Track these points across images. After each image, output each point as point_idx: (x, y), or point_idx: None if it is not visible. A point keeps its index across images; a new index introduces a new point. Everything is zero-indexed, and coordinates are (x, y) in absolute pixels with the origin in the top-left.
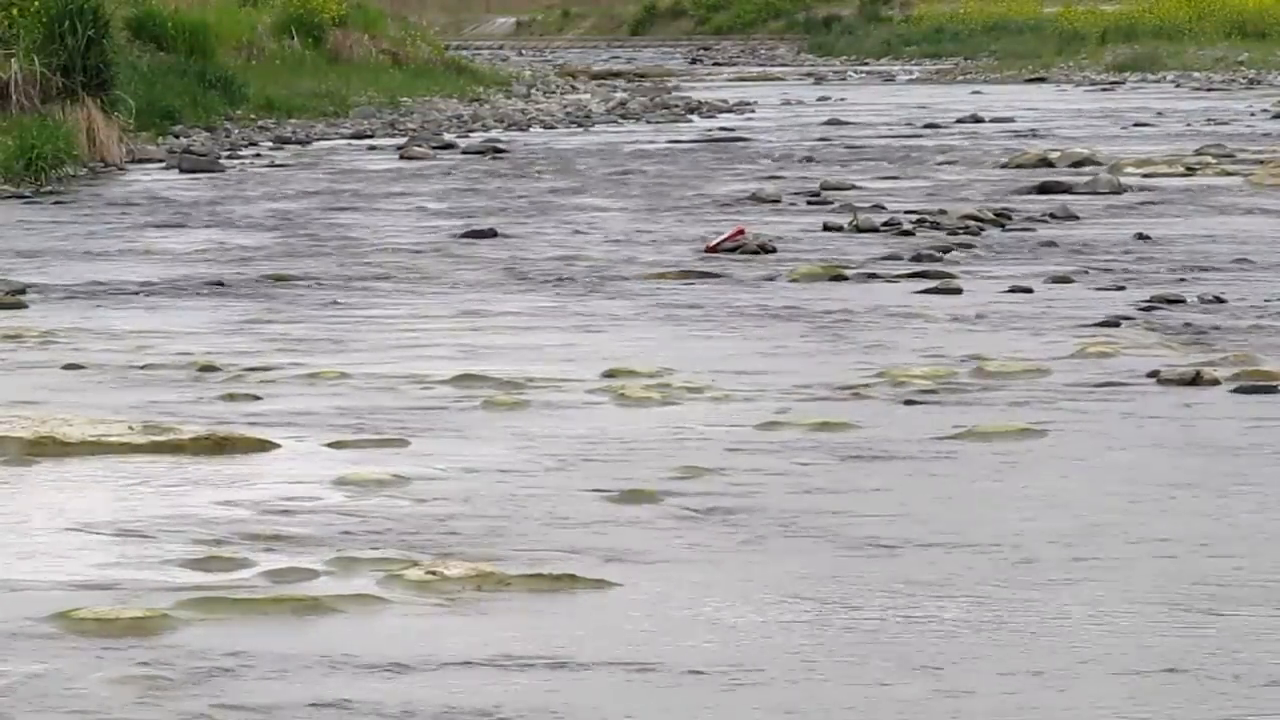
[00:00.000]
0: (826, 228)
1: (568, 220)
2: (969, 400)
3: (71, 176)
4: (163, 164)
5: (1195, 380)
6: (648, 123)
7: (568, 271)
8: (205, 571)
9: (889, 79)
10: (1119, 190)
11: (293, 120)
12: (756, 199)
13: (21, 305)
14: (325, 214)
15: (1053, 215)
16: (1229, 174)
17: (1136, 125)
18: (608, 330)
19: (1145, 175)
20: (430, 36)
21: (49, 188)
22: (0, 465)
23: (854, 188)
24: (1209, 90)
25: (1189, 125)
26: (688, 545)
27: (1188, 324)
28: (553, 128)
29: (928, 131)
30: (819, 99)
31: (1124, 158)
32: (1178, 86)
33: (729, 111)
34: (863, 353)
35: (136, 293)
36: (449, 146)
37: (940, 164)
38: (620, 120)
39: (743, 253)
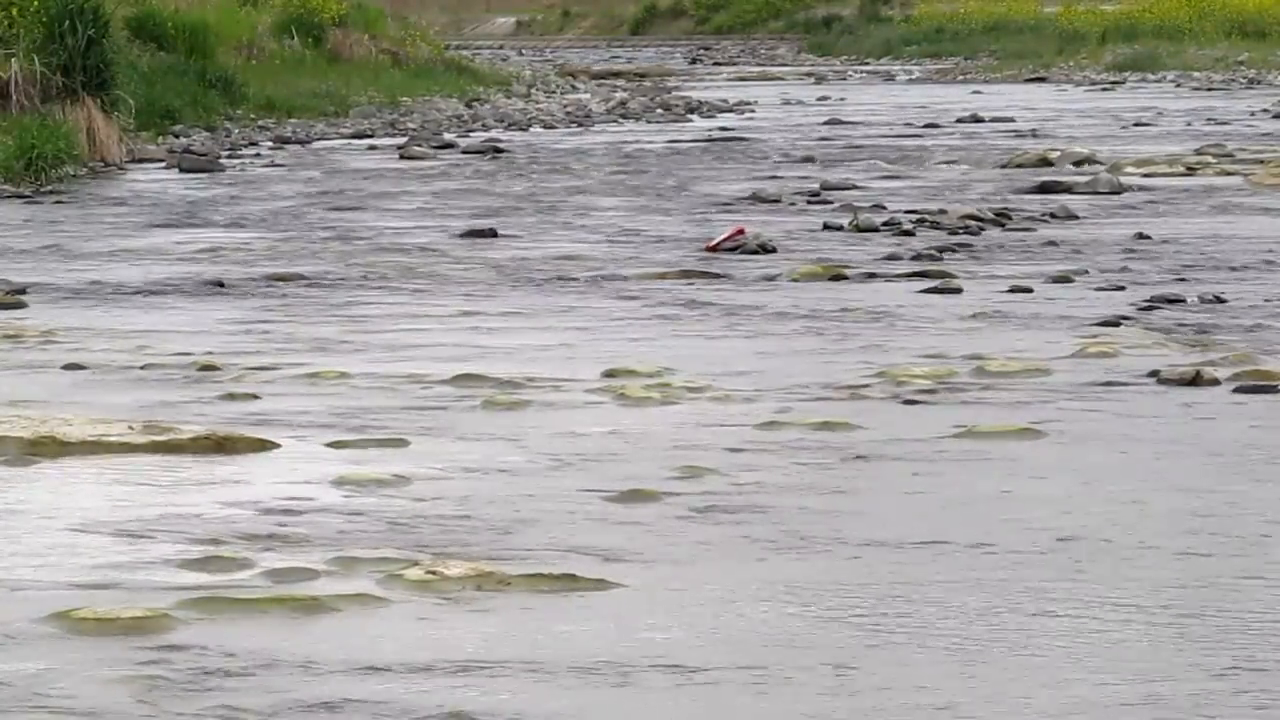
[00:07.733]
0: (827, 227)
1: (568, 220)
2: (969, 400)
3: (72, 176)
4: (163, 164)
5: (1195, 380)
6: (648, 122)
7: (568, 271)
8: (205, 571)
9: (889, 79)
10: (1119, 190)
11: (293, 120)
12: (757, 199)
13: (21, 305)
14: (325, 214)
15: (1053, 215)
16: (1229, 174)
17: (1136, 125)
18: (608, 330)
19: (1145, 175)
20: (430, 36)
21: (49, 187)
22: (0, 465)
23: (854, 187)
24: (1209, 90)
25: (1189, 125)
26: (688, 545)
27: (1188, 324)
28: (553, 127)
29: (928, 131)
30: (819, 99)
31: (1124, 157)
32: (1178, 86)
33: (729, 111)
34: (863, 353)
35: (136, 293)
36: (449, 146)
37: (940, 164)
38: (620, 120)
39: (743, 252)
